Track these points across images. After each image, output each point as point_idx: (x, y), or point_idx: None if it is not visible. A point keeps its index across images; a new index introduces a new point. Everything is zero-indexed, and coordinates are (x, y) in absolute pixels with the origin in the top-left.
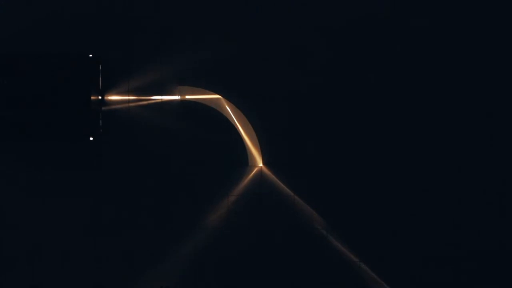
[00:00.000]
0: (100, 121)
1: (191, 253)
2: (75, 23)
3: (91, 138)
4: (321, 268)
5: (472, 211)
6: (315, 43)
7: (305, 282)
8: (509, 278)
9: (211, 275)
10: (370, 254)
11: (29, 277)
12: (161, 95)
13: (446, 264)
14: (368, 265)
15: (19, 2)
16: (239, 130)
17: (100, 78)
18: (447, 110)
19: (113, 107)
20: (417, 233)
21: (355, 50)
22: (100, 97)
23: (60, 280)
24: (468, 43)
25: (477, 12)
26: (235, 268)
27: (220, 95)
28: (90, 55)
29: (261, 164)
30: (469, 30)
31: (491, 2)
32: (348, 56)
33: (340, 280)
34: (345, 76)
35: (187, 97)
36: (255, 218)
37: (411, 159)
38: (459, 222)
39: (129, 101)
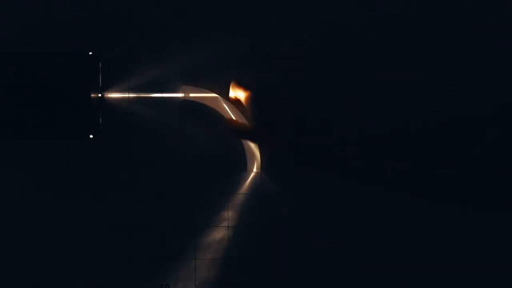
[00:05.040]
0: (100, 118)
1: (191, 252)
2: (75, 22)
3: (91, 136)
4: (321, 271)
5: (474, 216)
6: (318, 45)
7: (305, 284)
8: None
9: (211, 275)
10: (370, 255)
11: (29, 277)
12: (162, 93)
13: (446, 268)
14: (369, 265)
15: (19, 1)
16: None
17: (100, 76)
18: (451, 112)
19: (113, 105)
20: (418, 235)
21: (357, 51)
22: (100, 95)
23: (61, 280)
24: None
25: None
26: (235, 268)
27: (219, 95)
28: (90, 53)
29: (260, 169)
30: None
31: None
32: (349, 56)
33: (340, 281)
34: (347, 76)
35: (191, 95)
36: (255, 219)
37: (412, 160)
38: (461, 226)
39: (129, 99)
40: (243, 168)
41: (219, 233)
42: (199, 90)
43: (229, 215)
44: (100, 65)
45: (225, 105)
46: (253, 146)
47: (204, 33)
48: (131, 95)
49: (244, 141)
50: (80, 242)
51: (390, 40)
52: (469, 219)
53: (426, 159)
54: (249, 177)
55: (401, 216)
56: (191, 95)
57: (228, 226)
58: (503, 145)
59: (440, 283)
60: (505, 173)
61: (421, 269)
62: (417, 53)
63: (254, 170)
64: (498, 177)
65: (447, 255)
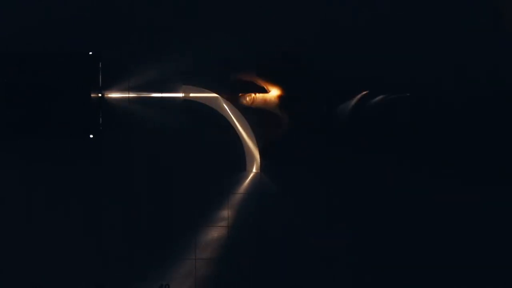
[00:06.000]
0: (100, 118)
1: (191, 251)
2: (75, 22)
3: (91, 136)
4: (321, 271)
5: (475, 216)
6: (318, 44)
7: (305, 284)
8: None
9: (211, 275)
10: (371, 255)
11: (29, 277)
12: (162, 93)
13: (447, 270)
14: (369, 266)
15: (19, 1)
16: (238, 132)
17: (100, 76)
18: (451, 112)
19: (113, 105)
20: (419, 235)
21: (360, 51)
22: (100, 95)
23: (61, 280)
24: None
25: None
26: (235, 268)
27: (219, 95)
28: (90, 53)
29: (259, 169)
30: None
31: None
32: (350, 57)
33: (341, 281)
34: (348, 78)
35: (191, 95)
36: (254, 219)
37: (412, 160)
38: (461, 228)
39: (129, 99)
40: (243, 168)
41: (219, 233)
42: (199, 90)
43: (229, 215)
44: (100, 65)
45: (225, 105)
46: (252, 146)
47: (204, 33)
48: (131, 95)
49: (244, 142)
50: (80, 242)
51: (390, 40)
52: (471, 219)
53: (427, 160)
54: (248, 177)
55: (402, 215)
56: (191, 95)
57: (228, 226)
58: (504, 146)
59: (440, 283)
60: (505, 174)
61: (421, 269)
62: (417, 53)
63: (254, 170)
64: (499, 177)
65: (447, 255)
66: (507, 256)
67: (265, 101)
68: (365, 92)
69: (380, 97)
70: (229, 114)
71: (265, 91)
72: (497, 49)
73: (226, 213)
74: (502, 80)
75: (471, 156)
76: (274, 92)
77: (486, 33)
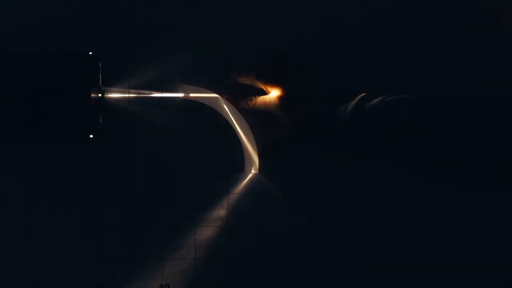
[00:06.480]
0: (100, 118)
1: (191, 251)
2: (75, 22)
3: (91, 136)
4: (321, 271)
5: (474, 216)
6: (318, 44)
7: (305, 284)
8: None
9: (210, 275)
10: (371, 255)
11: (29, 277)
12: (162, 93)
13: (447, 270)
14: (369, 266)
15: (19, 1)
16: (238, 132)
17: (100, 76)
18: (451, 113)
19: (113, 105)
20: (419, 235)
21: (360, 51)
22: (100, 95)
23: (61, 280)
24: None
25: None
26: (234, 268)
27: (219, 95)
28: (90, 53)
29: (258, 170)
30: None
31: None
32: (350, 57)
33: (341, 281)
34: (348, 78)
35: (191, 95)
36: (254, 219)
37: (412, 160)
38: (461, 228)
39: (129, 99)
40: (241, 168)
41: (219, 233)
42: (199, 90)
43: (228, 215)
44: (100, 65)
45: (225, 106)
46: (251, 147)
47: (204, 33)
48: (131, 95)
49: (243, 142)
50: (80, 242)
51: (390, 40)
52: (470, 219)
53: (427, 160)
54: (247, 177)
55: (402, 215)
56: (191, 95)
57: (227, 226)
58: (504, 146)
59: (440, 283)
60: (505, 174)
61: (421, 269)
62: (417, 53)
63: (252, 171)
64: (499, 177)
65: (447, 255)
66: (507, 256)
67: (265, 103)
68: (364, 94)
69: (380, 97)
70: (228, 114)
71: (265, 92)
72: (497, 49)
73: (225, 213)
74: (502, 80)
75: (471, 156)
76: (274, 93)
77: (486, 33)
